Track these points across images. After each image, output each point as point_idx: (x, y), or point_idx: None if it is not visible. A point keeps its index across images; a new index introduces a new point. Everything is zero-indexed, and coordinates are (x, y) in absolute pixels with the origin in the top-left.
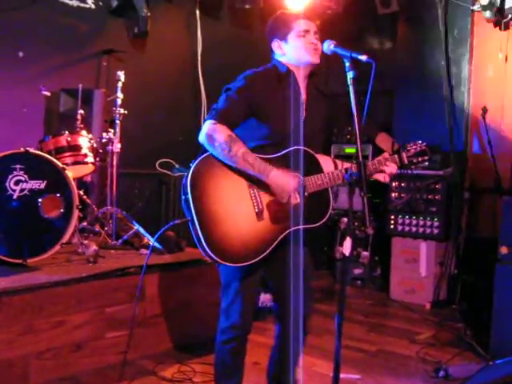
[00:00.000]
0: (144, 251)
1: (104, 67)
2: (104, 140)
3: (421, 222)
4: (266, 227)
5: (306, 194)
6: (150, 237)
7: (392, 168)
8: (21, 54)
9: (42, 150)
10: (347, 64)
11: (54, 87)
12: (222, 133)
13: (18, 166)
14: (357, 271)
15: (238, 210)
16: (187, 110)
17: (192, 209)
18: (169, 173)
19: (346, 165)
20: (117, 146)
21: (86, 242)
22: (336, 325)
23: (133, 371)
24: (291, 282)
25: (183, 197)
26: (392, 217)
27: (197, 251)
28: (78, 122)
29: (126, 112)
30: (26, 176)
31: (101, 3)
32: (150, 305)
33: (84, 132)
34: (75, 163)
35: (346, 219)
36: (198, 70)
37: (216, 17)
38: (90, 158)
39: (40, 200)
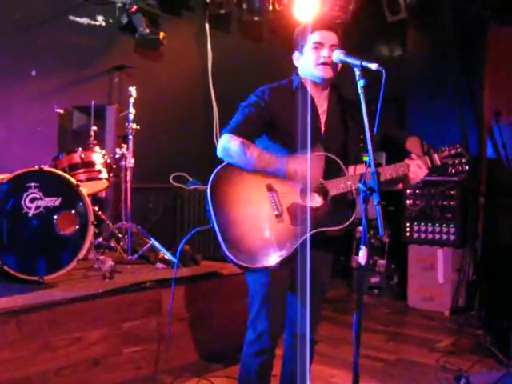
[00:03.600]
0: (160, 265)
1: (116, 83)
2: (117, 155)
3: (437, 229)
4: (286, 230)
5: (328, 197)
6: (165, 251)
7: (421, 171)
8: (33, 72)
9: (56, 167)
10: (357, 73)
11: (67, 104)
12: (235, 141)
13: (32, 184)
14: (374, 280)
15: (257, 214)
16: (199, 124)
17: (212, 215)
18: (183, 186)
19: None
20: (130, 161)
21: (101, 257)
22: (354, 334)
23: None
24: (307, 289)
25: (206, 207)
26: (407, 224)
27: (213, 264)
28: (92, 139)
29: (138, 127)
30: (41, 193)
31: (111, 20)
32: (167, 319)
33: (97, 148)
34: (89, 179)
35: (360, 228)
36: (209, 83)
37: (226, 30)
38: (104, 174)
39: (55, 217)
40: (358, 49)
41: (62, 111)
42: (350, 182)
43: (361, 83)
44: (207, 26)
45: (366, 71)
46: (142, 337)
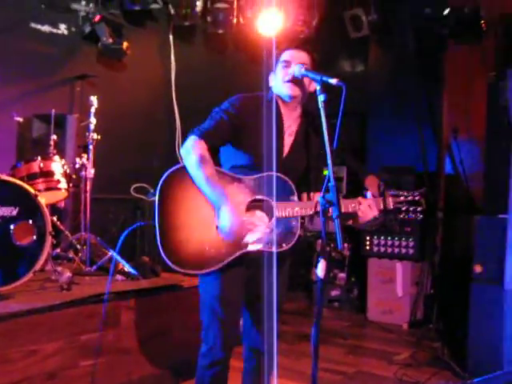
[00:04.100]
0: (119, 277)
1: (77, 92)
2: (77, 165)
3: (396, 243)
4: (223, 242)
5: (273, 218)
6: (124, 262)
7: (372, 211)
8: None
9: (14, 176)
10: (318, 87)
11: (27, 113)
12: (198, 150)
13: None
14: (334, 293)
15: (199, 221)
16: (161, 135)
17: (156, 214)
18: (144, 197)
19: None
20: (90, 172)
21: (59, 268)
22: (312, 347)
23: None
24: (265, 304)
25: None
26: (367, 238)
27: (173, 276)
28: (51, 148)
29: (99, 137)
30: None
31: (73, 29)
32: (125, 332)
33: (57, 157)
34: (48, 189)
35: (320, 241)
36: (172, 94)
37: (189, 41)
38: (63, 184)
39: (12, 227)
40: (321, 64)
41: (21, 119)
42: (297, 209)
43: (321, 98)
44: (171, 37)
45: (327, 86)
46: (99, 349)
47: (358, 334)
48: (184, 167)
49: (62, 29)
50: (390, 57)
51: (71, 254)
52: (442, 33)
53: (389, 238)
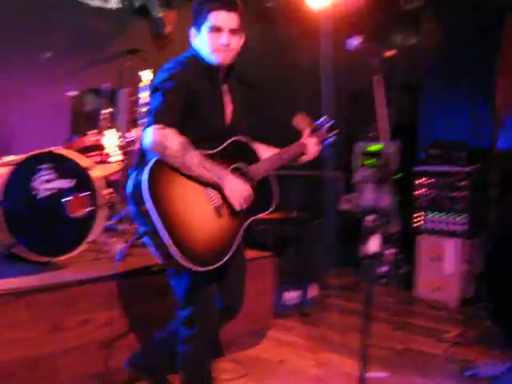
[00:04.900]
0: None
1: (127, 67)
2: (129, 139)
3: (446, 219)
4: (227, 223)
5: (254, 182)
6: None
7: (317, 148)
8: (47, 55)
9: (68, 149)
10: (372, 60)
11: (80, 87)
12: (173, 140)
13: (45, 166)
14: (382, 269)
15: (197, 211)
16: None
17: (154, 216)
18: None
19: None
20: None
21: (112, 240)
22: (363, 323)
23: None
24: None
25: (135, 208)
26: (417, 214)
27: None
28: (104, 122)
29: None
30: (53, 175)
31: (123, 3)
32: (175, 304)
33: (109, 131)
34: (101, 162)
35: (370, 217)
36: None
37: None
38: (116, 157)
39: (67, 199)
40: (372, 36)
41: (74, 94)
42: (274, 160)
43: (375, 71)
44: None
45: (381, 60)
46: (149, 321)
47: (406, 310)
48: (160, 160)
49: (112, 3)
50: (443, 29)
51: (123, 226)
52: (500, 5)
53: (439, 215)
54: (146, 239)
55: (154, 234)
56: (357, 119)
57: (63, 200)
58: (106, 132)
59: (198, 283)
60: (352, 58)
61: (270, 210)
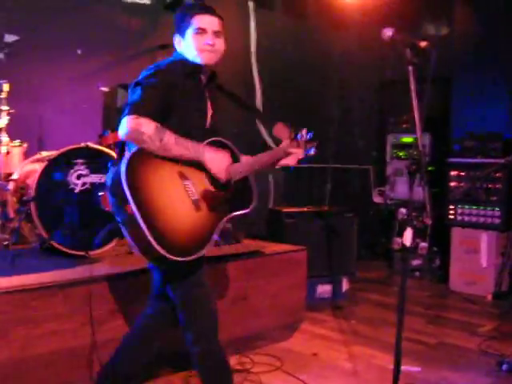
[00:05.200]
0: None
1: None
2: None
3: (481, 212)
4: (205, 216)
5: (231, 181)
6: None
7: (300, 153)
8: (79, 51)
9: (101, 144)
10: (406, 51)
11: (112, 83)
12: (148, 125)
13: (79, 161)
14: (415, 262)
15: (176, 203)
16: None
17: (133, 205)
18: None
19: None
20: None
21: None
22: (397, 316)
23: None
24: None
25: (114, 199)
26: (451, 207)
27: (255, 242)
28: None
29: None
30: (87, 170)
31: None
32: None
33: None
34: None
35: (404, 209)
36: (251, 63)
37: (270, 7)
38: None
39: (101, 193)
40: (404, 26)
41: (106, 89)
42: (254, 161)
43: (409, 62)
44: (250, 4)
45: (414, 50)
46: None
47: (440, 304)
48: (139, 150)
49: None
50: (477, 18)
51: None
52: None
53: (473, 207)
54: (123, 229)
55: (131, 223)
56: (389, 110)
57: (99, 194)
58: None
59: (196, 280)
60: (385, 48)
61: (250, 209)
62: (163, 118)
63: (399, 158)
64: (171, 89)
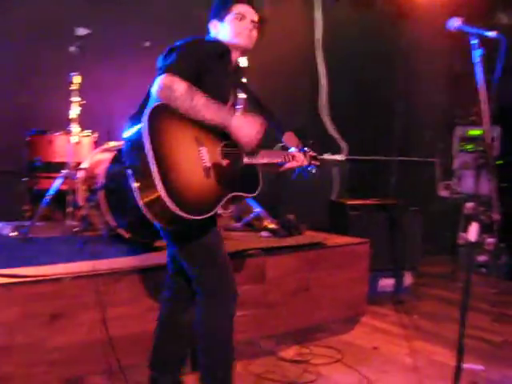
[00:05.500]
0: (264, 234)
1: None
2: None
3: None
4: (212, 186)
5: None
6: (271, 219)
7: (303, 162)
8: (147, 43)
9: None
10: (474, 42)
11: None
12: (181, 83)
13: None
14: (482, 258)
15: (188, 164)
16: (305, 94)
17: (151, 157)
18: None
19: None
20: None
21: None
22: (460, 312)
23: (253, 351)
24: None
25: (135, 152)
26: None
27: (317, 234)
28: None
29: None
30: None
31: None
32: (270, 287)
33: None
34: None
35: (470, 204)
36: (316, 53)
37: None
38: None
39: None
40: (476, 16)
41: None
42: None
43: (477, 53)
44: None
45: (483, 40)
46: (246, 302)
47: (506, 301)
48: (163, 105)
49: None
50: None
51: (220, 210)
52: None
53: None
54: (130, 176)
55: (144, 174)
56: (457, 102)
57: None
58: None
59: (210, 243)
60: (454, 39)
61: (254, 194)
62: (194, 83)
63: (466, 151)
64: (203, 61)
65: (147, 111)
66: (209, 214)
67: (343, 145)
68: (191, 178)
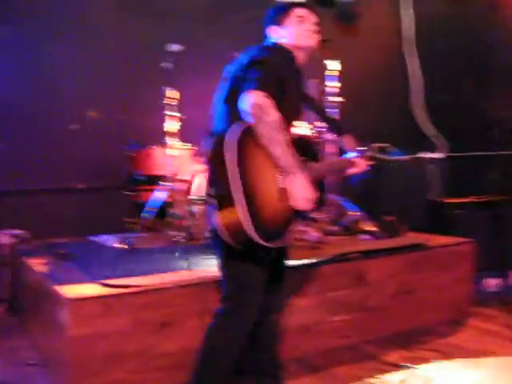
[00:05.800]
0: (363, 236)
1: (315, 58)
2: (319, 129)
3: None
4: (284, 208)
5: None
6: (370, 221)
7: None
8: (236, 54)
9: None
10: None
11: None
12: (273, 111)
13: None
14: None
15: (267, 186)
16: (396, 95)
17: (237, 177)
18: (385, 157)
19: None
20: (329, 135)
21: (308, 228)
22: None
23: (355, 355)
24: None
25: (213, 168)
26: None
27: (418, 235)
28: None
29: (341, 100)
30: None
31: None
32: (372, 290)
33: (301, 122)
34: None
35: None
36: (408, 49)
37: None
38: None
39: None
40: None
41: None
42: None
43: None
44: None
45: None
46: (346, 307)
47: None
48: (250, 126)
49: None
50: None
51: (315, 215)
52: None
53: None
54: (210, 201)
55: (225, 197)
56: None
57: None
58: (297, 123)
59: (254, 268)
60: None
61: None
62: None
63: None
64: (284, 80)
65: (235, 134)
66: (281, 241)
67: (441, 142)
68: (268, 203)
